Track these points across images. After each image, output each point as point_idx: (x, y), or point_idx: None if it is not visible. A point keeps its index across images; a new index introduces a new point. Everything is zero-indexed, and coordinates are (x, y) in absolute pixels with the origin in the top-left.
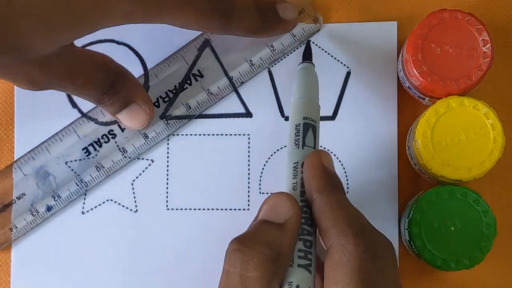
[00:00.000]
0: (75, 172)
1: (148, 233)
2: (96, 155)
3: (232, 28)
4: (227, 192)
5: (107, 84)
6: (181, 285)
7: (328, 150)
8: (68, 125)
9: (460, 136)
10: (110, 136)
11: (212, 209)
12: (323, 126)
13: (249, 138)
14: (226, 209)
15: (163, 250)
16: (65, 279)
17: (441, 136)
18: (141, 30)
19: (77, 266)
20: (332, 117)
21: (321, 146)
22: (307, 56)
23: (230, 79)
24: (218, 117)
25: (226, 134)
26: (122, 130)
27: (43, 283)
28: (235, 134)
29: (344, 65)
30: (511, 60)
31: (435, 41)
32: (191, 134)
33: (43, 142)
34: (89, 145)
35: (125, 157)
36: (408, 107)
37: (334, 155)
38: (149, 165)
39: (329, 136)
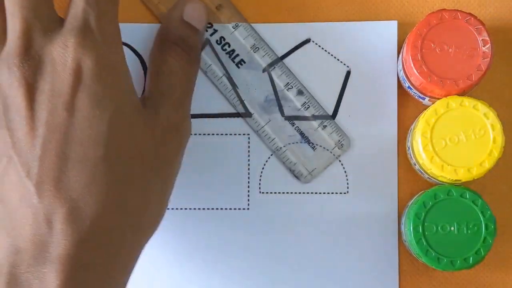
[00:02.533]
0: None
1: None
2: None
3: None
4: (227, 192)
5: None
6: (181, 284)
7: (328, 150)
8: None
9: (460, 136)
10: None
11: (212, 209)
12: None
13: (249, 138)
14: (226, 209)
15: (162, 250)
16: None
17: (440, 136)
18: (141, 30)
19: None
20: (332, 117)
21: (321, 146)
22: None
23: (230, 79)
24: (218, 117)
25: (226, 134)
26: None
27: None
28: (235, 134)
29: (344, 64)
30: (511, 60)
31: (434, 41)
32: (191, 134)
33: None
34: None
35: None
36: (408, 107)
37: (334, 154)
38: None
39: None
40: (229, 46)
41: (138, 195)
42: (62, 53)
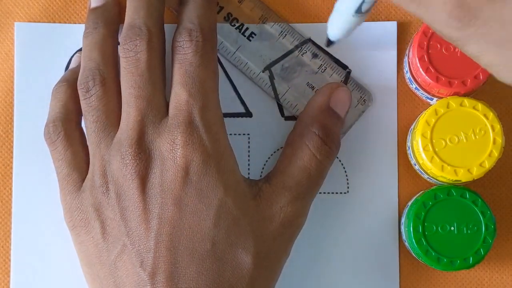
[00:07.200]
0: None
1: None
2: None
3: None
4: None
5: None
6: None
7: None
8: None
9: (460, 136)
10: None
11: None
12: None
13: (249, 138)
14: None
15: None
16: (66, 280)
17: (440, 136)
18: None
19: (77, 266)
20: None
21: None
22: None
23: (229, 78)
24: None
25: None
26: None
27: (43, 284)
28: (235, 134)
29: (344, 64)
30: None
31: (440, 42)
32: None
33: None
34: None
35: None
36: (408, 107)
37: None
38: None
39: None
40: (237, 21)
41: (244, 286)
42: (171, 150)
